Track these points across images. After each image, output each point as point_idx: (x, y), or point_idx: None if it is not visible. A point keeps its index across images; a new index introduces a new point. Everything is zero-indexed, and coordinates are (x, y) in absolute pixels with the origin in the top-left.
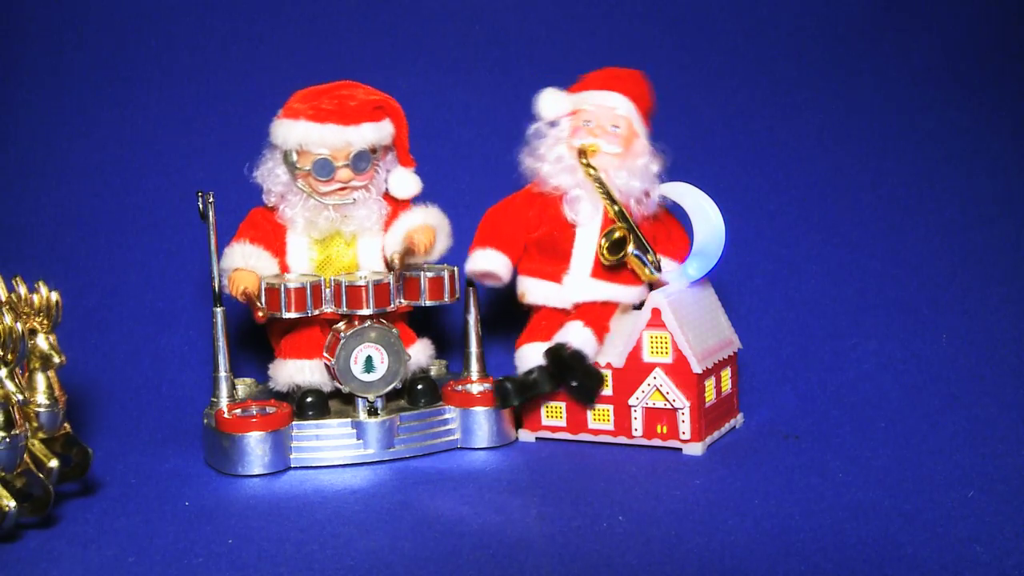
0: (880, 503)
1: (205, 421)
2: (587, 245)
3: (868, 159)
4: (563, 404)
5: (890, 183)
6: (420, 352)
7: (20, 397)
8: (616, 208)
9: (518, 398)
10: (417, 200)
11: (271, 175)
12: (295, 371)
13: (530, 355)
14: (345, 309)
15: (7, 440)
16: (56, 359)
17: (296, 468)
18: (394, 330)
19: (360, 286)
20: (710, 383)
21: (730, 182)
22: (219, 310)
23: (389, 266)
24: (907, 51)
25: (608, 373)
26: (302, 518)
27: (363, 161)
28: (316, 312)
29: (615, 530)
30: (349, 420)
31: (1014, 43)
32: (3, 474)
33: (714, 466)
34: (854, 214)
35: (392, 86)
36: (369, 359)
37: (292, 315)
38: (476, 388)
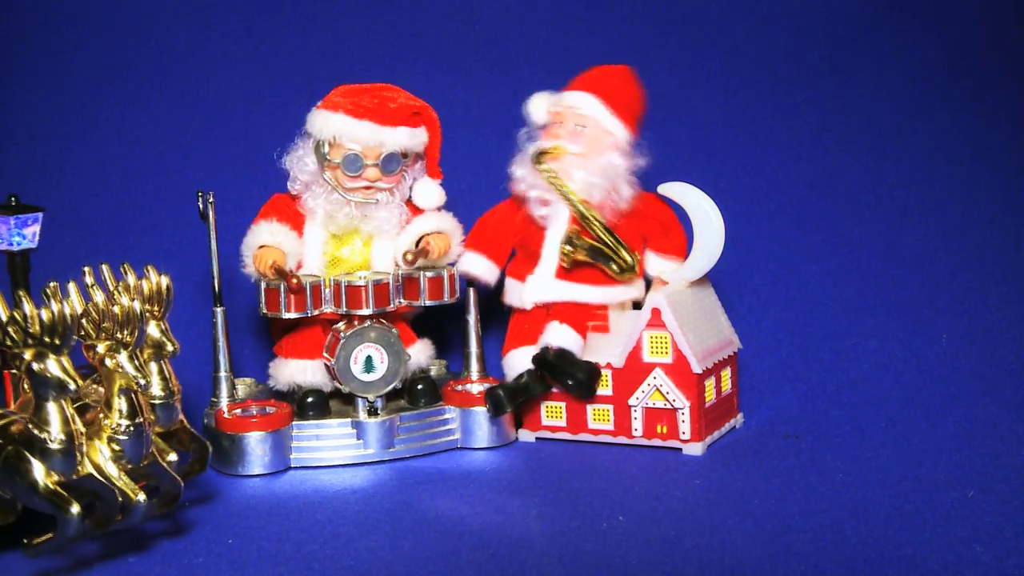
0: (880, 503)
1: (205, 421)
2: (553, 246)
3: (868, 159)
4: (563, 404)
5: (890, 183)
6: (420, 352)
7: (142, 381)
8: (577, 209)
9: (511, 404)
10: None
11: (300, 163)
12: (296, 371)
13: (517, 360)
14: (345, 309)
15: (131, 428)
16: (169, 347)
17: (296, 468)
18: (394, 330)
19: (360, 286)
20: (710, 383)
21: (730, 182)
22: (219, 310)
23: (405, 262)
24: (907, 51)
25: (608, 373)
26: (302, 518)
27: (393, 163)
28: (316, 312)
29: (615, 530)
30: (349, 420)
31: (1014, 43)
32: (130, 466)
33: (714, 466)
34: (854, 214)
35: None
36: (369, 359)
37: (292, 315)
38: (476, 388)
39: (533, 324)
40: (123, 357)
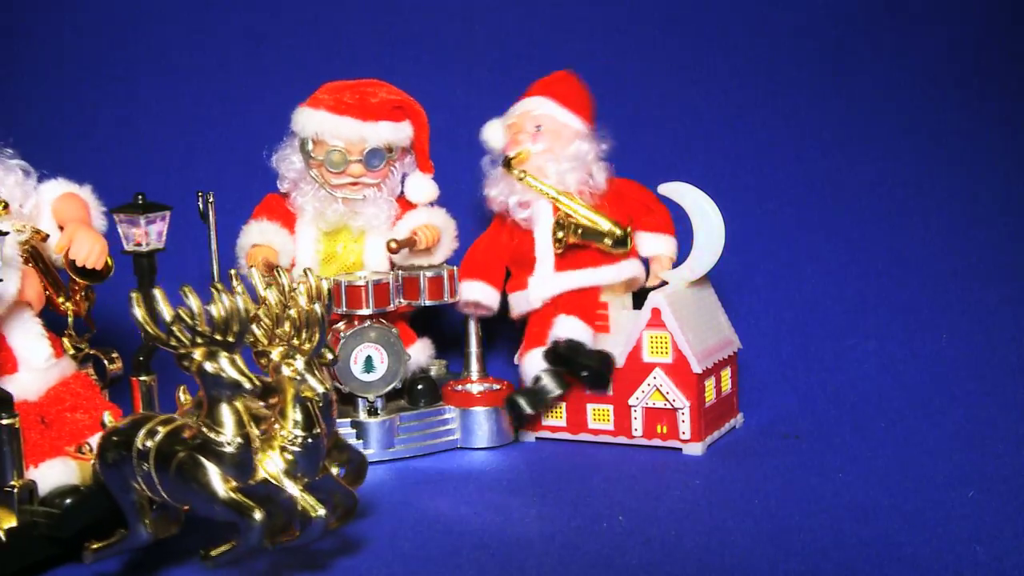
0: (880, 503)
1: None
2: (545, 244)
3: (868, 159)
4: (563, 404)
5: (890, 183)
6: (420, 352)
7: (321, 389)
8: (557, 199)
9: (532, 408)
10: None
11: (286, 161)
12: None
13: (531, 363)
14: (345, 309)
15: (308, 440)
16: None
17: None
18: (394, 330)
19: (360, 286)
20: (710, 383)
21: (730, 182)
22: None
23: (388, 249)
24: (907, 51)
25: None
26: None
27: (376, 159)
28: None
29: (615, 530)
30: (349, 420)
31: (1014, 43)
32: (305, 480)
33: (714, 466)
34: (854, 214)
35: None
36: (369, 359)
37: None
38: (476, 388)
39: (542, 324)
40: (300, 364)
